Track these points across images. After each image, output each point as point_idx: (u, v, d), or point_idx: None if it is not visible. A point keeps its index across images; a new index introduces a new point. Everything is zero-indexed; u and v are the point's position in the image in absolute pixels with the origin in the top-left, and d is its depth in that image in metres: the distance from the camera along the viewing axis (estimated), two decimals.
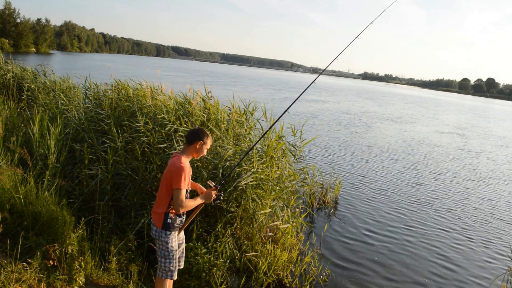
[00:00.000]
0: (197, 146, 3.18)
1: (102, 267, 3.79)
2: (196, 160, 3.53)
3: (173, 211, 3.15)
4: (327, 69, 4.92)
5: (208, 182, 3.38)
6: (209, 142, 3.25)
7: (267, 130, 4.53)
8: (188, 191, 3.25)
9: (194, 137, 3.17)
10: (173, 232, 3.19)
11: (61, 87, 8.69)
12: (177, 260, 3.29)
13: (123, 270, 3.89)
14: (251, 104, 6.59)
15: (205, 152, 3.28)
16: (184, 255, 3.52)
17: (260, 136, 5.74)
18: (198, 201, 3.20)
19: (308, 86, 4.42)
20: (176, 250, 3.24)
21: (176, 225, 3.20)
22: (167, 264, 3.22)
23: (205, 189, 3.40)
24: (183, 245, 3.47)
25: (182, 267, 3.51)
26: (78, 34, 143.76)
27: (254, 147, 5.39)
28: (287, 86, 56.35)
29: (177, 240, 3.27)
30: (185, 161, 3.13)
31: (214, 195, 3.25)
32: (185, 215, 3.32)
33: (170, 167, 3.10)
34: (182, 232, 3.43)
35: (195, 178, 4.38)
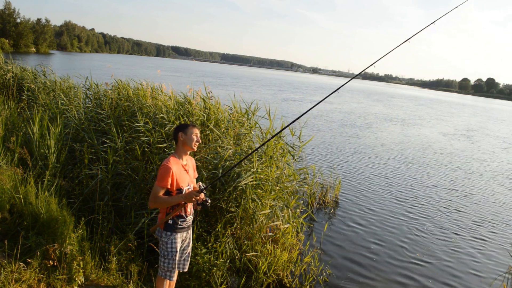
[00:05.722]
0: (181, 138, 3.18)
1: (102, 267, 3.79)
2: (196, 160, 3.51)
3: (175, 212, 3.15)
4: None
5: (198, 183, 3.30)
6: (191, 129, 3.19)
7: (270, 138, 4.52)
8: (184, 189, 3.15)
9: (174, 132, 3.23)
10: (174, 233, 3.19)
11: (61, 87, 8.69)
12: (177, 261, 3.28)
13: (123, 270, 3.89)
14: (253, 104, 6.58)
15: (195, 139, 3.18)
16: (189, 258, 3.49)
17: (262, 141, 5.76)
18: (176, 199, 3.07)
19: (321, 101, 4.37)
20: (176, 252, 3.23)
21: (178, 226, 3.19)
22: (166, 264, 3.23)
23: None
24: (189, 249, 3.43)
25: (186, 270, 3.48)
26: (78, 34, 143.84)
27: (253, 149, 5.40)
28: (291, 87, 56.21)
29: (180, 242, 3.26)
30: (173, 161, 3.12)
31: (195, 197, 3.04)
32: (190, 215, 3.30)
33: (160, 166, 3.14)
34: (190, 235, 3.41)
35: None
